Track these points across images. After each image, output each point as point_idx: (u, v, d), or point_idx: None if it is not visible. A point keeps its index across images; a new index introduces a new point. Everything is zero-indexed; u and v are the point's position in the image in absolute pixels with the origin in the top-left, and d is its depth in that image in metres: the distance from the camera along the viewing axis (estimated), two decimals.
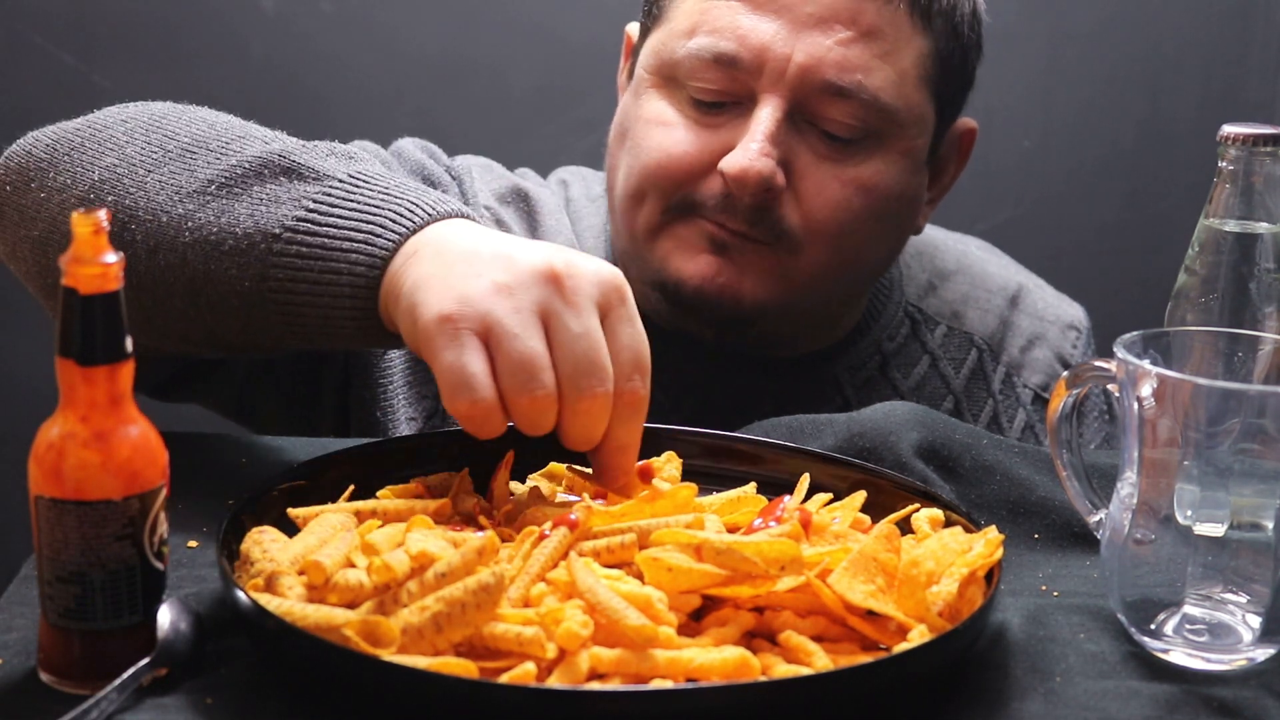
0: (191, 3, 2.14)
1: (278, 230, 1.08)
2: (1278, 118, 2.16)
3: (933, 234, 1.59)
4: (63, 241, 1.12)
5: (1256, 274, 1.09)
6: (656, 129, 1.35)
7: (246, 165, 1.12)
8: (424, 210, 1.07)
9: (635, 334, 1.02)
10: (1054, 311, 1.57)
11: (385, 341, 1.09)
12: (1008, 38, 2.18)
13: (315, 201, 1.09)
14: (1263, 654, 0.98)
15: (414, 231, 1.06)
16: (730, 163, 1.30)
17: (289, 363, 1.38)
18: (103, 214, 0.88)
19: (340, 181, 1.10)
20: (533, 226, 1.46)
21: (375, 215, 1.07)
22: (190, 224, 1.11)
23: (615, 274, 1.02)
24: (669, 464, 1.11)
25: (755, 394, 1.41)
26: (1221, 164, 1.10)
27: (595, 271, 1.01)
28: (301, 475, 1.08)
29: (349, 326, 1.08)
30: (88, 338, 0.88)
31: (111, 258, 0.88)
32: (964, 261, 1.57)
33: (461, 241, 1.04)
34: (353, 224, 1.07)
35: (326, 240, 1.07)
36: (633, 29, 1.46)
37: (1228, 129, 1.10)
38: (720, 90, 1.34)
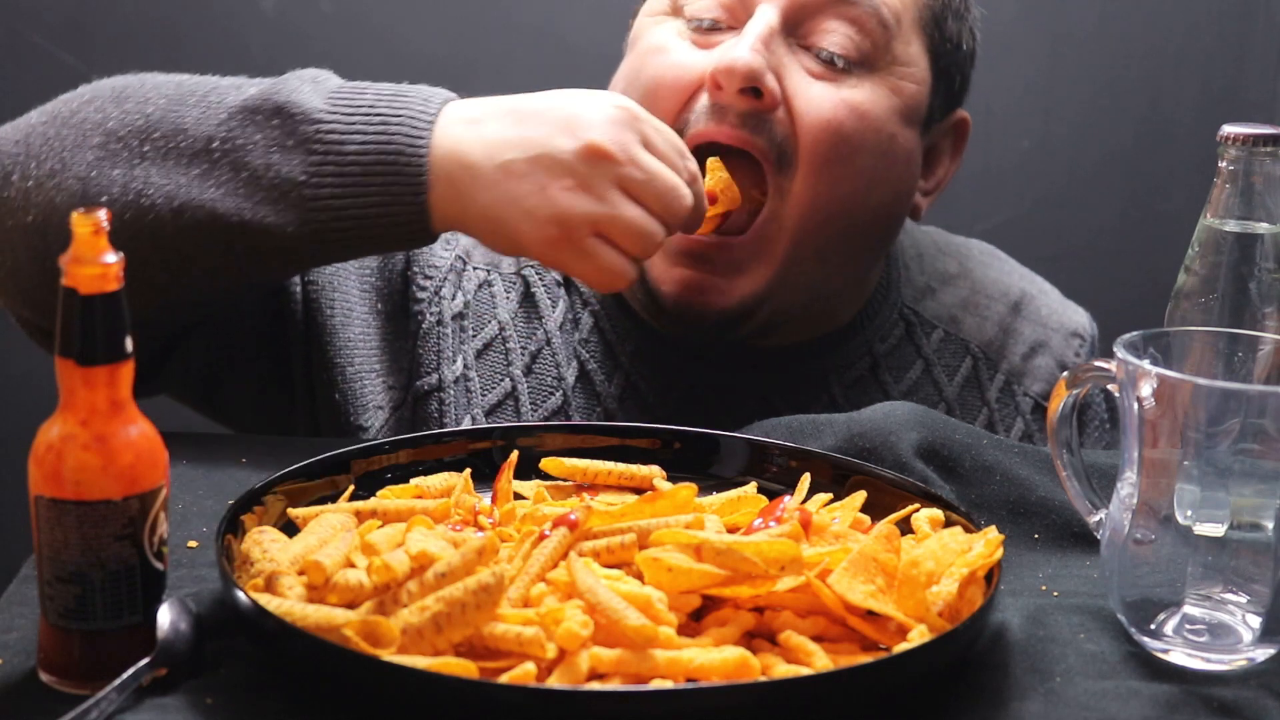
0: (191, 3, 2.14)
1: (302, 177, 1.16)
2: (1278, 118, 2.16)
3: (935, 237, 1.58)
4: (62, 224, 1.13)
5: (1256, 274, 1.09)
6: (653, 56, 1.34)
7: (238, 117, 1.18)
8: (424, 119, 1.18)
9: (662, 132, 1.20)
10: (1058, 318, 1.54)
11: (434, 237, 1.21)
12: (1008, 38, 2.19)
13: (322, 143, 1.17)
14: (1263, 654, 0.98)
15: (427, 152, 1.16)
16: (718, 57, 1.29)
17: (254, 346, 1.38)
18: (103, 214, 0.88)
19: (330, 113, 1.18)
20: None
21: (387, 143, 1.17)
22: (212, 181, 1.17)
23: (624, 106, 1.19)
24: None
25: (742, 388, 1.40)
26: (1221, 164, 1.10)
27: (613, 115, 1.17)
28: (301, 475, 1.08)
29: (404, 244, 1.24)
30: (88, 338, 0.88)
31: (111, 258, 0.88)
32: (966, 266, 1.55)
33: (481, 150, 1.17)
34: (373, 159, 1.17)
35: (355, 184, 1.17)
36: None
37: (1228, 129, 1.10)
38: (719, 2, 1.33)
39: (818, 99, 1.31)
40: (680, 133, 1.31)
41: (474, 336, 1.39)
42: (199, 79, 1.24)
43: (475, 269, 1.41)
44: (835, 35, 1.31)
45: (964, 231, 1.65)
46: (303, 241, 1.18)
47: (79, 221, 0.88)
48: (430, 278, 1.39)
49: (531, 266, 1.42)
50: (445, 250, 1.40)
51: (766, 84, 1.29)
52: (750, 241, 1.32)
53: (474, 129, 1.18)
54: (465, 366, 1.37)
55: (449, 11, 2.16)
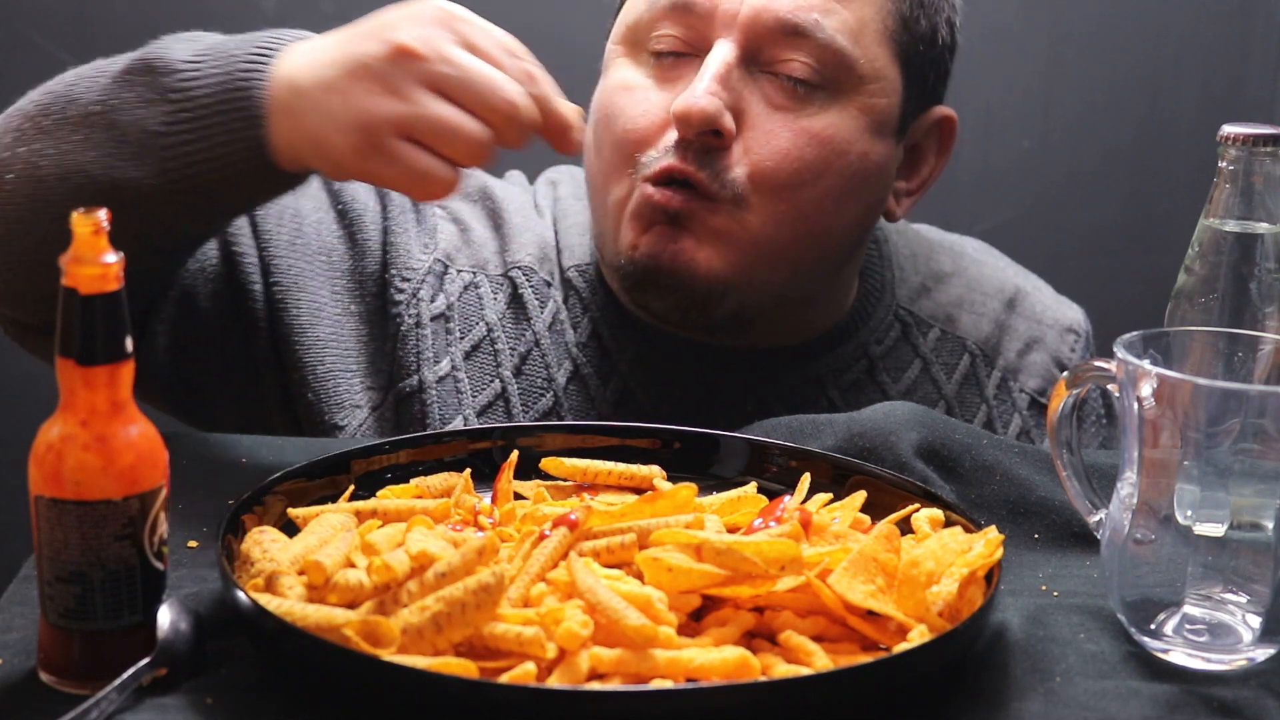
0: (191, 3, 2.14)
1: (160, 128, 1.17)
2: (1278, 118, 2.16)
3: (928, 236, 1.58)
4: None
5: (1257, 274, 1.09)
6: (621, 94, 1.35)
7: (119, 80, 1.20)
8: (267, 54, 1.18)
9: (488, 32, 1.15)
10: (1052, 315, 1.54)
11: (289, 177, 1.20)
12: (1008, 38, 2.18)
13: (179, 91, 1.18)
14: (1263, 654, 0.98)
15: (264, 83, 1.16)
16: (677, 102, 1.30)
17: (219, 346, 1.38)
18: (103, 214, 0.88)
19: (187, 62, 1.19)
20: (497, 224, 1.45)
21: (229, 81, 1.18)
22: (91, 144, 1.19)
23: (443, 7, 1.15)
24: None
25: (739, 393, 1.40)
26: (1221, 164, 1.10)
27: (428, 16, 1.14)
28: (301, 475, 1.08)
29: (262, 188, 1.23)
30: (87, 338, 0.88)
31: (111, 258, 0.88)
32: (960, 264, 1.54)
33: (308, 72, 1.15)
34: (217, 99, 1.17)
35: (202, 127, 1.17)
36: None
37: (1228, 129, 1.10)
38: (678, 38, 1.33)
39: (774, 133, 1.31)
40: (646, 173, 1.32)
41: (461, 338, 1.39)
42: (121, 56, 1.25)
43: (460, 272, 1.42)
44: (794, 64, 1.31)
45: (964, 231, 1.65)
46: (166, 193, 1.17)
47: (79, 221, 0.88)
48: (408, 280, 1.39)
49: (518, 268, 1.42)
50: (423, 254, 1.41)
51: (724, 124, 1.29)
52: (718, 214, 1.32)
53: (310, 56, 1.16)
54: (454, 367, 1.38)
55: None
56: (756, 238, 1.33)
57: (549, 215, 1.48)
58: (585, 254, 1.44)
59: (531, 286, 1.42)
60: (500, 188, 1.49)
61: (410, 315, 1.38)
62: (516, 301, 1.42)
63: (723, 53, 1.30)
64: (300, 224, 1.40)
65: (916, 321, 1.48)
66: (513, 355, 1.39)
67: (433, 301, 1.39)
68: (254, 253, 1.38)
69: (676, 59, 1.34)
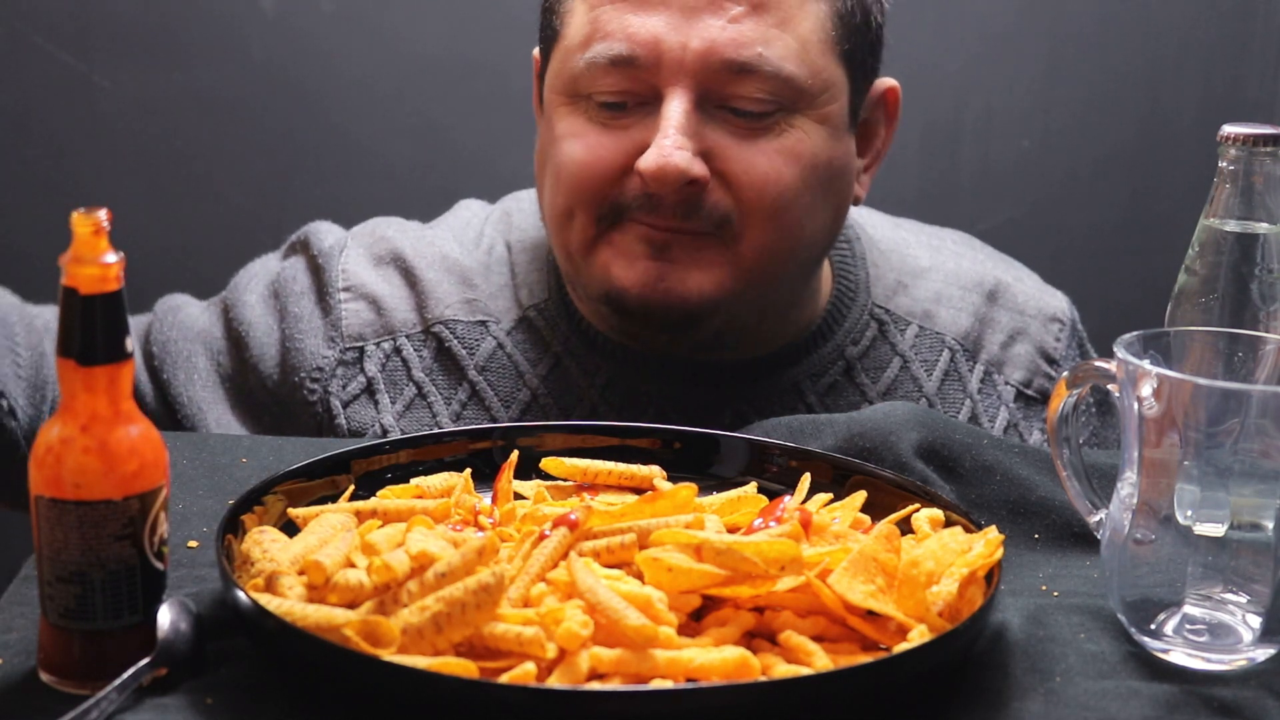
0: (191, 3, 2.14)
1: None
2: (1278, 118, 2.16)
3: (905, 231, 1.57)
4: None
5: (1257, 274, 1.09)
6: (568, 142, 1.34)
7: None
8: None
9: None
10: (1035, 304, 1.53)
11: None
12: (1008, 38, 2.18)
13: None
14: (1263, 654, 0.98)
15: None
16: (646, 161, 1.29)
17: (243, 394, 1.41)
18: (103, 213, 0.88)
19: None
20: (411, 282, 1.44)
21: None
22: None
23: None
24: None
25: (716, 406, 1.40)
26: (1221, 164, 1.10)
27: None
28: (301, 475, 1.08)
29: None
30: (88, 338, 0.88)
31: (111, 258, 0.88)
32: (937, 258, 1.53)
33: None
34: None
35: None
36: (539, 52, 1.45)
37: (1228, 129, 1.10)
38: (624, 90, 1.32)
39: (752, 161, 1.31)
40: (618, 216, 1.32)
41: (393, 403, 1.40)
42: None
43: (379, 344, 1.41)
44: (746, 98, 1.31)
45: (964, 231, 1.65)
46: None
47: (79, 221, 0.88)
48: (317, 380, 1.40)
49: (441, 322, 1.42)
50: (329, 349, 1.41)
51: (698, 173, 1.29)
52: (707, 248, 1.32)
53: None
54: (385, 430, 1.38)
55: (449, 11, 2.16)
56: (748, 263, 1.33)
57: (500, 251, 1.47)
58: (542, 291, 1.44)
59: (457, 337, 1.42)
60: (411, 244, 1.47)
61: (325, 409, 1.39)
62: (444, 355, 1.42)
63: (679, 103, 1.30)
64: (194, 361, 1.42)
65: (893, 319, 1.48)
66: (448, 404, 1.39)
67: (346, 388, 1.40)
68: (151, 392, 1.41)
69: (623, 109, 1.33)
